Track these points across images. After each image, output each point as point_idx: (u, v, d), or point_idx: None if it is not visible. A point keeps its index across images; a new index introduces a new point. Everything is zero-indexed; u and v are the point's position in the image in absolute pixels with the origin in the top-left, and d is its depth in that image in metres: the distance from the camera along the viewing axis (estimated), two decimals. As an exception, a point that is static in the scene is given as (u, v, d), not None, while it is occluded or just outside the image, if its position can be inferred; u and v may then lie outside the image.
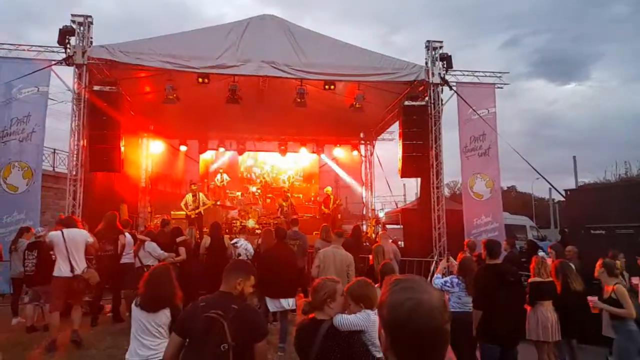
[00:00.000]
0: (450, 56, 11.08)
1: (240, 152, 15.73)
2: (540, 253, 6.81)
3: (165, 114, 12.76)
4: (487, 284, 4.18)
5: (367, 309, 2.72)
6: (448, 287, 4.85)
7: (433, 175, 11.12)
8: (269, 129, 15.11)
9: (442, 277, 5.05)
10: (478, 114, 11.15)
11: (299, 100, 11.06)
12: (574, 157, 29.71)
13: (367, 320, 2.67)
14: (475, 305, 4.31)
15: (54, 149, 15.55)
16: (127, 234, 7.75)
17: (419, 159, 11.02)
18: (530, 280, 5.13)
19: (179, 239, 7.33)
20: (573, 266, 5.50)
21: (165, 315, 3.31)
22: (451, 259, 5.54)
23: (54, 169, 15.18)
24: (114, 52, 9.65)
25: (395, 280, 1.18)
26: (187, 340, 2.42)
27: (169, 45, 9.91)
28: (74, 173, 9.61)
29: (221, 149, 15.65)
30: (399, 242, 13.30)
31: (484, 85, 11.54)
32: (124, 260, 7.45)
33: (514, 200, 45.13)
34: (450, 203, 13.35)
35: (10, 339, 6.40)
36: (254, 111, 12.61)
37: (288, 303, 6.15)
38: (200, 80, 10.13)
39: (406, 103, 11.20)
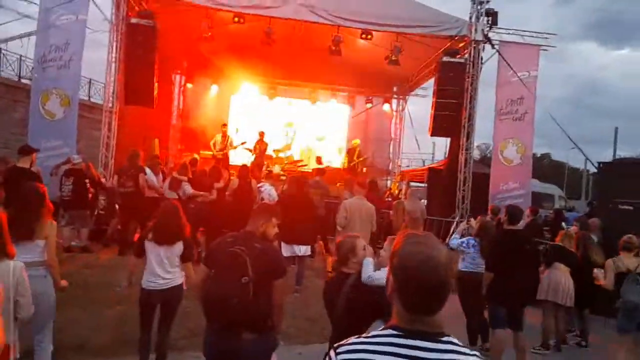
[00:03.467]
0: (496, 12, 10.58)
1: (271, 97, 15.67)
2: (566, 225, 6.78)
3: (199, 52, 12.73)
4: (501, 248, 4.24)
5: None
6: (464, 247, 4.93)
7: (463, 136, 10.92)
8: (301, 74, 14.90)
9: (460, 238, 5.11)
10: (518, 76, 10.73)
11: (333, 48, 10.81)
12: (616, 129, 28.55)
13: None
14: (487, 267, 4.41)
15: (90, 79, 15.82)
16: (147, 170, 7.89)
17: (451, 118, 10.81)
18: (551, 243, 5.14)
19: (216, 185, 7.58)
20: (595, 238, 5.46)
21: (178, 248, 3.63)
22: (472, 220, 5.58)
23: (89, 99, 15.51)
24: (152, -16, 9.57)
25: (409, 234, 1.24)
26: (213, 270, 2.58)
27: (207, -18, 9.72)
28: (110, 105, 9.84)
29: (252, 92, 15.60)
30: (422, 201, 13.36)
31: (528, 46, 11.02)
32: (150, 194, 7.67)
33: (547, 168, 44.07)
34: (478, 166, 13.18)
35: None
36: (287, 55, 12.41)
37: (300, 249, 6.38)
38: (235, 19, 10.01)
39: (444, 59, 10.85)
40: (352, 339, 1.21)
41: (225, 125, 12.51)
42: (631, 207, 6.68)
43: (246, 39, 11.18)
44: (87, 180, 6.97)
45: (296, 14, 9.93)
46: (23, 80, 18.39)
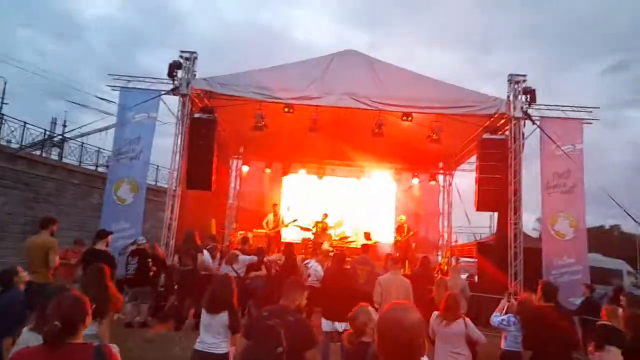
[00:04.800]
0: (533, 90, 10.90)
1: (320, 176, 16.42)
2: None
3: (253, 138, 13.87)
4: (535, 325, 4.24)
5: None
6: (504, 325, 4.91)
7: (511, 210, 10.87)
8: (348, 154, 15.63)
9: (500, 316, 5.11)
10: (563, 150, 10.77)
11: (376, 130, 11.49)
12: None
13: None
14: (524, 344, 4.38)
15: (157, 166, 17.43)
16: (205, 251, 8.52)
17: (496, 193, 10.86)
18: (599, 323, 5.00)
19: (266, 259, 8.08)
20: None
21: (223, 316, 3.96)
22: (512, 298, 5.55)
23: (156, 183, 17.00)
24: (213, 84, 10.88)
25: (392, 304, 1.58)
26: (250, 341, 2.92)
27: (260, 78, 10.94)
28: (173, 189, 10.87)
29: (302, 172, 16.47)
30: (474, 277, 13.05)
31: (570, 120, 11.12)
32: (206, 272, 8.26)
33: (617, 241, 41.10)
34: (532, 241, 12.85)
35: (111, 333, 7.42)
36: (333, 139, 13.25)
37: (341, 326, 6.50)
38: (286, 109, 11.02)
39: (484, 136, 11.16)
40: None
41: (275, 205, 13.23)
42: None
43: (295, 125, 12.15)
44: (149, 260, 7.66)
45: (339, 102, 10.77)
46: (99, 169, 20.56)
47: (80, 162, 19.51)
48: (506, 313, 5.14)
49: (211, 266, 8.33)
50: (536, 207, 11.20)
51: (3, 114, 18.00)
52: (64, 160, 18.81)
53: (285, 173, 16.64)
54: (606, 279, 14.64)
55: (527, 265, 10.48)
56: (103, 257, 5.93)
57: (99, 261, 5.69)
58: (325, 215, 13.73)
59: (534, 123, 11.05)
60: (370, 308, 3.06)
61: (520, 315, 4.80)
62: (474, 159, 14.76)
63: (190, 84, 10.87)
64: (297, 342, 2.82)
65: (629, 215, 10.92)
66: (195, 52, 11.08)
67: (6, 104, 21.86)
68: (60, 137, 20.50)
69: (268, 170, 16.35)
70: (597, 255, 18.10)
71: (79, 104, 35.08)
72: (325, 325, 6.42)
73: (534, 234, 18.01)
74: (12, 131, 16.97)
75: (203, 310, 4.12)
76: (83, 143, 19.41)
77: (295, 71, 11.14)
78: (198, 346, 4.03)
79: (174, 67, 10.91)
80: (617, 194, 11.90)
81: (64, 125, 27.59)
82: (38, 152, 17.95)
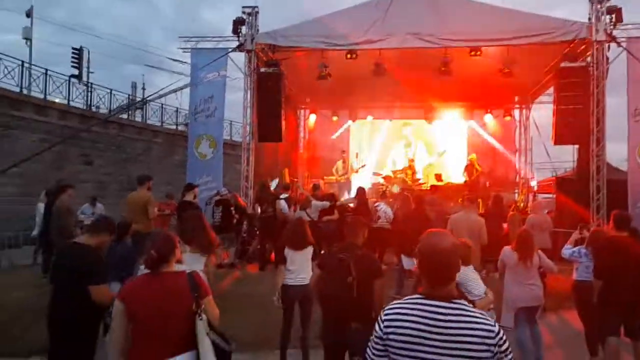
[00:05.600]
0: (619, 9, 9.90)
1: (388, 120, 16.34)
2: None
3: (319, 87, 14.01)
4: (607, 255, 4.25)
5: (463, 265, 3.27)
6: (576, 256, 4.94)
7: (593, 142, 10.26)
8: (415, 95, 15.27)
9: (572, 248, 5.12)
10: (653, 72, 9.81)
11: (443, 68, 11.14)
12: None
13: (461, 275, 3.24)
14: (595, 274, 4.41)
15: (230, 121, 18.33)
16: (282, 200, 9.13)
17: (577, 124, 10.25)
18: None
19: (339, 202, 8.57)
20: None
21: (308, 252, 4.55)
22: (585, 231, 5.48)
23: (230, 138, 18.00)
24: (276, 37, 11.07)
25: (430, 233, 1.86)
26: (325, 273, 3.32)
27: (320, 26, 10.95)
28: (247, 142, 11.51)
29: (369, 117, 16.46)
30: (552, 213, 12.64)
31: (662, 39, 10.02)
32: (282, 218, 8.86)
33: None
34: (617, 173, 12.08)
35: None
36: (399, 81, 12.98)
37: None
38: (348, 56, 10.99)
39: (563, 65, 10.43)
40: (393, 302, 1.81)
41: (344, 151, 13.51)
42: None
43: (360, 71, 12.08)
44: (232, 208, 8.40)
45: (404, 43, 10.52)
46: (179, 128, 21.99)
47: (162, 122, 20.96)
48: (578, 245, 5.14)
49: (287, 213, 8.94)
50: (623, 137, 10.44)
51: (91, 83, 19.64)
52: (148, 122, 20.28)
53: (352, 119, 16.73)
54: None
55: (613, 198, 9.97)
56: (193, 207, 6.64)
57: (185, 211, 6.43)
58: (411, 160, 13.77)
59: (619, 45, 10.11)
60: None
61: (591, 246, 4.80)
62: (552, 90, 13.88)
63: (254, 39, 11.13)
64: (365, 273, 3.18)
65: None
66: (256, 7, 11.23)
67: (92, 72, 23.65)
68: (142, 100, 22.04)
69: (335, 118, 16.52)
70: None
71: (154, 67, 36.95)
72: (407, 262, 6.76)
73: (625, 166, 16.71)
74: (101, 98, 18.53)
75: (287, 249, 4.61)
76: (162, 104, 20.73)
77: (355, 15, 10.97)
78: (288, 281, 4.56)
79: (237, 23, 11.19)
80: None
81: (143, 89, 29.57)
82: (125, 116, 19.52)
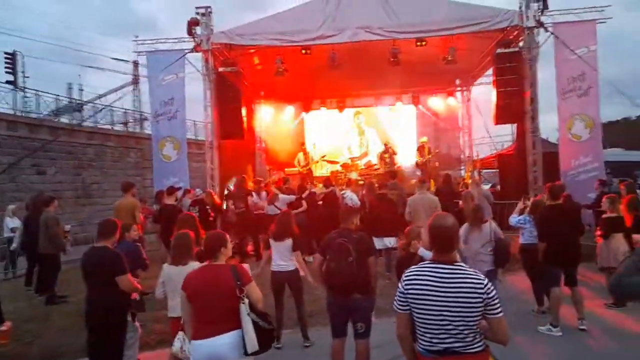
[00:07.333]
0: (546, -4, 10.95)
1: (341, 110, 16.98)
2: None
3: (273, 81, 14.37)
4: (547, 221, 5.15)
5: None
6: (521, 224, 5.84)
7: (528, 120, 11.41)
8: (366, 85, 16.00)
9: (517, 216, 6.01)
10: (577, 54, 11.00)
11: (392, 59, 11.89)
12: None
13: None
14: (540, 238, 5.31)
15: (194, 121, 18.34)
16: (253, 193, 9.58)
17: (513, 105, 11.36)
18: (603, 216, 5.87)
19: (304, 195, 9.09)
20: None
21: (288, 242, 5.10)
22: (528, 201, 6.39)
23: (195, 137, 18.04)
24: (232, 36, 11.34)
25: (437, 214, 2.47)
26: (328, 256, 3.90)
27: (275, 24, 11.34)
28: (210, 141, 11.78)
29: (322, 109, 17.02)
30: (497, 187, 13.89)
31: (583, 23, 11.25)
32: (257, 212, 9.35)
33: (640, 134, 40.67)
34: (551, 146, 13.42)
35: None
36: (351, 72, 13.61)
37: (390, 242, 7.58)
38: (303, 51, 11.48)
39: (499, 51, 11.47)
40: (412, 268, 2.44)
41: (303, 143, 14.03)
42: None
43: (314, 65, 12.60)
44: (208, 207, 8.73)
45: (355, 37, 11.13)
46: (130, 129, 21.62)
47: (112, 125, 20.53)
48: (522, 214, 6.02)
49: (260, 204, 9.40)
50: (549, 113, 11.65)
51: (34, 88, 18.84)
52: (98, 125, 19.80)
53: (306, 111, 17.21)
54: (627, 172, 15.25)
55: (548, 169, 11.18)
56: (177, 210, 6.99)
57: (173, 214, 6.79)
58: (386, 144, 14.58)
59: (547, 30, 11.22)
60: (423, 229, 3.99)
61: (533, 214, 5.69)
62: (490, 71, 15.04)
63: (210, 39, 11.34)
64: (362, 252, 3.82)
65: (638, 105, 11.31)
66: (209, 7, 11.41)
67: (27, 77, 22.56)
68: (80, 102, 21.41)
69: (290, 109, 16.95)
70: (617, 150, 18.60)
71: (97, 67, 35.60)
72: (377, 242, 7.44)
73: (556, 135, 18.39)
74: (48, 103, 17.87)
75: (271, 240, 5.18)
76: (111, 105, 20.26)
77: (308, 11, 11.42)
78: (274, 267, 5.19)
79: (191, 24, 11.32)
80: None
81: (81, 89, 28.51)
82: (68, 121, 18.94)
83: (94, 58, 68.04)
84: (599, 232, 6.15)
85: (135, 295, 4.25)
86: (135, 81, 31.80)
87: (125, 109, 21.59)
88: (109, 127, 20.29)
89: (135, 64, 31.02)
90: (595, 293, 6.37)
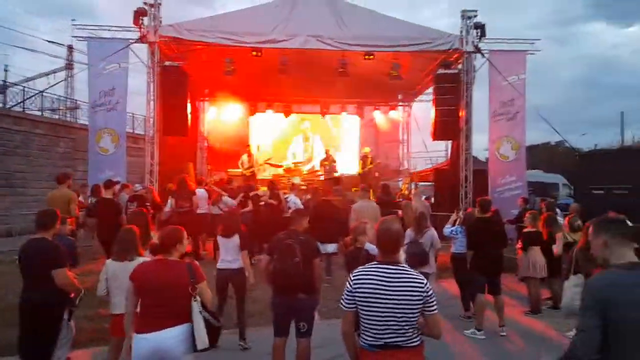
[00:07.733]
0: (484, 25, 11.76)
1: (287, 114, 17.09)
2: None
3: (220, 80, 14.23)
4: (476, 232, 5.60)
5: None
6: (454, 234, 6.26)
7: (462, 138, 12.17)
8: (313, 92, 16.26)
9: (451, 227, 6.45)
10: (508, 81, 11.93)
11: (341, 69, 12.23)
12: (622, 113, 29.51)
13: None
14: (468, 247, 5.75)
15: (132, 114, 17.59)
16: (197, 192, 9.41)
17: (450, 123, 12.07)
18: (524, 230, 6.45)
19: (251, 194, 9.09)
20: (560, 220, 6.74)
21: (236, 239, 5.12)
22: (460, 213, 6.88)
23: (133, 131, 17.28)
24: (180, 30, 11.11)
25: (384, 219, 2.64)
26: (275, 256, 3.99)
27: (227, 23, 11.28)
28: (151, 136, 11.41)
29: (269, 111, 17.03)
30: (431, 199, 14.61)
31: (515, 53, 12.22)
32: (200, 211, 9.20)
33: (562, 156, 44.23)
34: (481, 164, 14.37)
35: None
36: (300, 78, 13.83)
37: (330, 248, 7.80)
38: (253, 53, 11.48)
39: (439, 71, 12.14)
40: (360, 268, 2.59)
41: (248, 145, 13.97)
42: (602, 192, 7.88)
43: (264, 67, 12.64)
44: (147, 204, 8.48)
45: (305, 44, 11.33)
46: (62, 117, 20.33)
47: (42, 111, 19.24)
48: (455, 225, 6.47)
49: (206, 205, 9.26)
50: (483, 133, 12.53)
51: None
52: (27, 111, 18.47)
53: (252, 113, 17.15)
54: (546, 192, 16.70)
55: (477, 185, 11.98)
56: (113, 204, 6.73)
57: (111, 209, 6.56)
58: (327, 151, 14.80)
59: (483, 56, 12.06)
60: (368, 225, 4.18)
61: (464, 225, 6.13)
62: (431, 90, 15.87)
63: (157, 31, 11.04)
64: (308, 254, 3.94)
65: (556, 132, 12.49)
66: (159, -2, 11.12)
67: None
68: (7, 84, 19.90)
69: (236, 111, 16.78)
70: (538, 172, 20.24)
71: (30, 49, 33.07)
72: (322, 248, 7.58)
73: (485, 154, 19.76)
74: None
75: (219, 237, 5.22)
76: (43, 91, 18.99)
77: (261, 14, 11.49)
78: (220, 265, 5.17)
79: (138, 14, 10.97)
80: (569, 110, 13.41)
81: (6, 70, 26.47)
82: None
83: (22, 38, 62.97)
84: (519, 245, 6.73)
85: (75, 295, 4.01)
86: (69, 66, 30.04)
87: (58, 96, 20.25)
88: (38, 112, 18.94)
89: (70, 48, 29.43)
90: (516, 301, 6.98)
